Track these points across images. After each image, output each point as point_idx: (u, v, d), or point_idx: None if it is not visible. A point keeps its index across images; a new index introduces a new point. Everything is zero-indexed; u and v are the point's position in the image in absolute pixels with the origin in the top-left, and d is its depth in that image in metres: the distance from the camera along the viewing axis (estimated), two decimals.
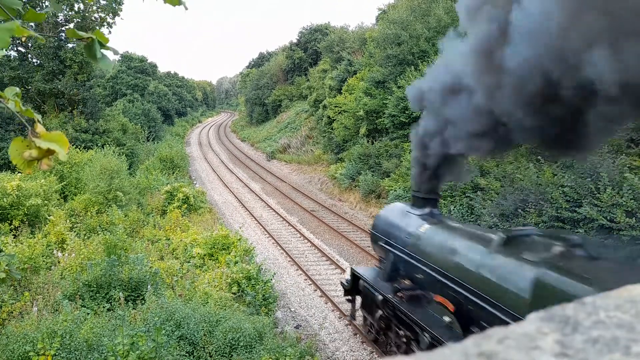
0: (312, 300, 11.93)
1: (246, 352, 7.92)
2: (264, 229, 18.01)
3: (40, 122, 1.64)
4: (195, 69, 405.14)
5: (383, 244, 9.28)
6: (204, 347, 7.85)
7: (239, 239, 13.58)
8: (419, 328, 7.47)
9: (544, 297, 5.31)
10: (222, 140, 54.84)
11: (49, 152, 1.60)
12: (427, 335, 7.23)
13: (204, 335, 8.01)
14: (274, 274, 12.27)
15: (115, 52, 2.11)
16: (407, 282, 8.35)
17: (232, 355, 7.84)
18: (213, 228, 15.47)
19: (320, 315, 11.12)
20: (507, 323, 5.58)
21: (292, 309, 11.50)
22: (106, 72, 46.63)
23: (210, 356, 7.73)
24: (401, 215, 9.16)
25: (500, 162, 14.02)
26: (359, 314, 10.21)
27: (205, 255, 12.66)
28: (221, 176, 30.14)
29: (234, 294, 10.45)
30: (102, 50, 1.87)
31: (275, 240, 16.56)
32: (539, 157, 12.88)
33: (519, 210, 11.71)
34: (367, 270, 9.97)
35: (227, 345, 7.87)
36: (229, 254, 12.50)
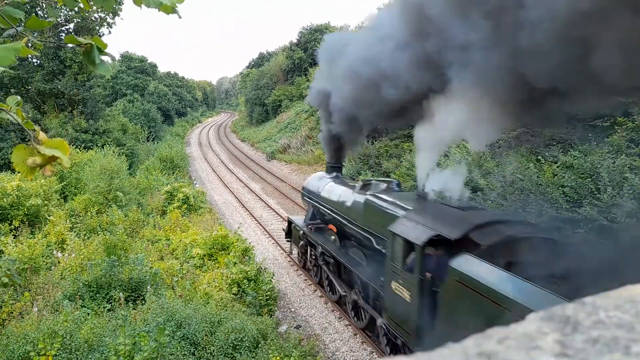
0: (312, 301, 11.93)
1: (249, 352, 7.93)
2: (264, 229, 18.00)
3: (40, 133, 1.65)
4: (195, 69, 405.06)
5: (307, 199, 13.69)
6: (205, 347, 7.85)
7: (238, 239, 13.58)
8: (317, 244, 11.92)
9: (367, 210, 9.62)
10: (222, 140, 54.83)
11: (52, 159, 1.62)
12: (319, 247, 11.78)
13: (206, 335, 8.01)
14: (273, 274, 12.28)
15: (113, 59, 2.14)
16: (318, 220, 12.83)
17: (234, 355, 7.84)
18: (213, 228, 15.47)
19: (320, 316, 11.13)
20: (357, 232, 10.14)
21: (292, 309, 11.50)
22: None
23: (213, 356, 7.73)
24: (318, 179, 13.44)
25: (500, 163, 14.02)
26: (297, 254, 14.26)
27: (204, 255, 12.66)
28: (221, 176, 30.13)
29: (234, 294, 10.45)
30: (101, 56, 1.89)
31: (275, 240, 16.56)
32: (539, 157, 12.88)
33: (519, 210, 11.71)
34: (297, 217, 14.38)
35: (230, 346, 7.87)
36: (229, 254, 12.50)
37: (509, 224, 6.77)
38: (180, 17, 2.22)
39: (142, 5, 2.10)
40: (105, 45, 1.90)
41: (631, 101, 12.39)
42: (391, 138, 22.03)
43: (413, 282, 7.17)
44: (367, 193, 9.91)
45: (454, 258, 6.34)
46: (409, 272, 7.28)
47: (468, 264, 6.11)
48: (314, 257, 12.34)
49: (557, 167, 12.18)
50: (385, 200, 9.14)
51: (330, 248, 11.15)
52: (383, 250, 8.58)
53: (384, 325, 8.60)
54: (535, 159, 12.99)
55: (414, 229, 7.31)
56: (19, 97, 1.78)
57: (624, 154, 11.04)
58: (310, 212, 13.32)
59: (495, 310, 5.43)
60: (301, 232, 13.10)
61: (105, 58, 1.95)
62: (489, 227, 6.64)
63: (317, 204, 12.69)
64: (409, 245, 7.30)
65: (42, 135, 1.62)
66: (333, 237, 11.55)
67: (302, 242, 13.27)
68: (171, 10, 2.08)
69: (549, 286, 5.05)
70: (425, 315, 6.97)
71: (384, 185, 10.18)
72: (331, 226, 11.83)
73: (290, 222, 14.36)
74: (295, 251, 14.40)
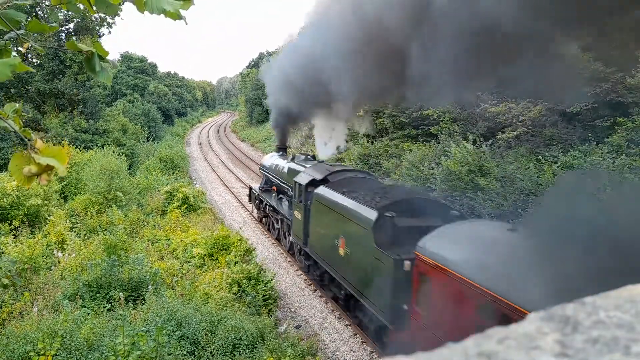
0: (312, 301, 11.93)
1: (248, 351, 7.93)
2: (264, 229, 18.01)
3: (38, 141, 1.64)
4: (195, 69, 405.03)
5: (262, 171, 18.57)
6: (204, 347, 7.85)
7: (240, 239, 13.57)
8: (264, 200, 17.08)
9: (289, 172, 14.55)
10: (222, 140, 54.80)
11: (48, 167, 1.61)
12: (264, 202, 17.17)
13: (206, 334, 8.01)
14: (275, 274, 12.28)
15: (114, 66, 2.14)
16: (267, 185, 17.74)
17: (234, 354, 7.84)
18: (213, 228, 15.47)
19: (320, 316, 11.13)
20: (285, 187, 15.15)
21: (292, 309, 11.50)
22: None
23: (212, 355, 7.73)
24: (270, 157, 18.40)
25: (501, 162, 14.02)
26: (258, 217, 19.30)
27: (205, 255, 12.65)
28: (221, 176, 30.13)
29: (235, 294, 10.44)
30: (102, 63, 1.88)
31: (275, 240, 16.56)
32: (540, 157, 12.88)
33: (519, 210, 11.71)
34: (255, 185, 19.38)
35: (230, 345, 7.87)
36: (229, 254, 12.49)
37: (352, 171, 12.59)
38: (186, 24, 2.21)
39: (146, 12, 2.09)
40: (107, 53, 1.89)
41: (631, 101, 12.39)
42: (391, 138, 22.01)
43: (301, 208, 12.29)
44: (293, 162, 15.12)
45: (317, 189, 11.43)
46: (300, 203, 12.36)
47: (321, 191, 11.12)
48: (263, 211, 17.94)
49: (557, 167, 12.19)
50: (299, 165, 14.22)
51: (271, 201, 16.27)
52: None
53: (292, 240, 13.76)
54: (535, 159, 12.99)
55: (304, 177, 12.58)
56: (17, 105, 1.77)
57: (623, 154, 11.05)
58: (263, 180, 18.57)
59: (330, 212, 10.33)
60: (256, 194, 18.56)
61: (106, 65, 1.94)
62: (339, 173, 12.14)
63: (267, 174, 17.71)
64: (300, 186, 12.39)
65: (39, 144, 1.62)
66: (274, 194, 16.59)
67: (257, 201, 18.77)
68: (177, 16, 2.07)
69: (352, 196, 9.64)
70: (306, 224, 12.11)
71: (303, 157, 15.45)
72: (274, 187, 16.77)
73: (250, 188, 19.64)
74: (255, 212, 19.39)
